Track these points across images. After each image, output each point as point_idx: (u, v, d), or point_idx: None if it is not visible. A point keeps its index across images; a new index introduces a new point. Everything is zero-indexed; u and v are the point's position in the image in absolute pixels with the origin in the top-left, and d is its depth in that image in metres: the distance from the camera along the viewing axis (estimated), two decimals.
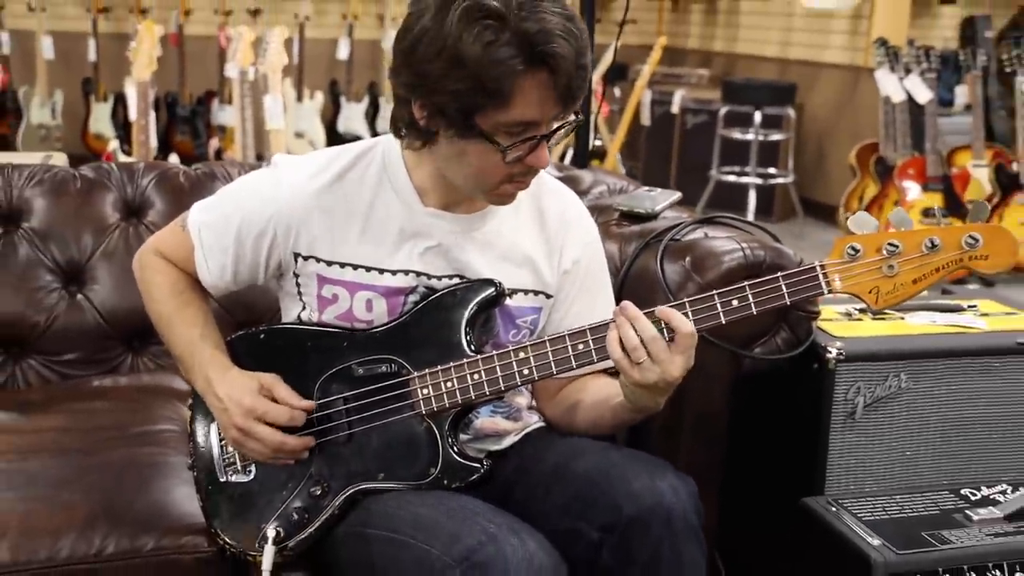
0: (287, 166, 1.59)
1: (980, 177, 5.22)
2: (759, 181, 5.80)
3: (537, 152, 1.44)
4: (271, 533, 1.53)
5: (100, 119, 6.32)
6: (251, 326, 1.68)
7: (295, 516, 1.55)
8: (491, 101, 1.38)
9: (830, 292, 1.45)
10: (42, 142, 6.13)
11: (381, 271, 1.56)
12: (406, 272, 1.56)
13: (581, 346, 1.47)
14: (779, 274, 1.45)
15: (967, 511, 1.67)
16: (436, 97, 1.41)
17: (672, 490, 1.43)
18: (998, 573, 1.56)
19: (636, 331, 1.42)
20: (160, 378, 2.10)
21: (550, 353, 1.48)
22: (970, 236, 1.41)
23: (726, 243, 1.82)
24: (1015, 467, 1.88)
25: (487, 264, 1.58)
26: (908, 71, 5.26)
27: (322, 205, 1.55)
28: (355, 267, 1.56)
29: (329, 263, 1.56)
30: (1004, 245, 1.43)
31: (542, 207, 1.64)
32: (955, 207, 5.01)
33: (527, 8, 1.36)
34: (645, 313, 1.44)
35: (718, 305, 1.45)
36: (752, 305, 1.44)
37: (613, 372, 1.51)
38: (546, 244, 1.63)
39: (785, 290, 1.44)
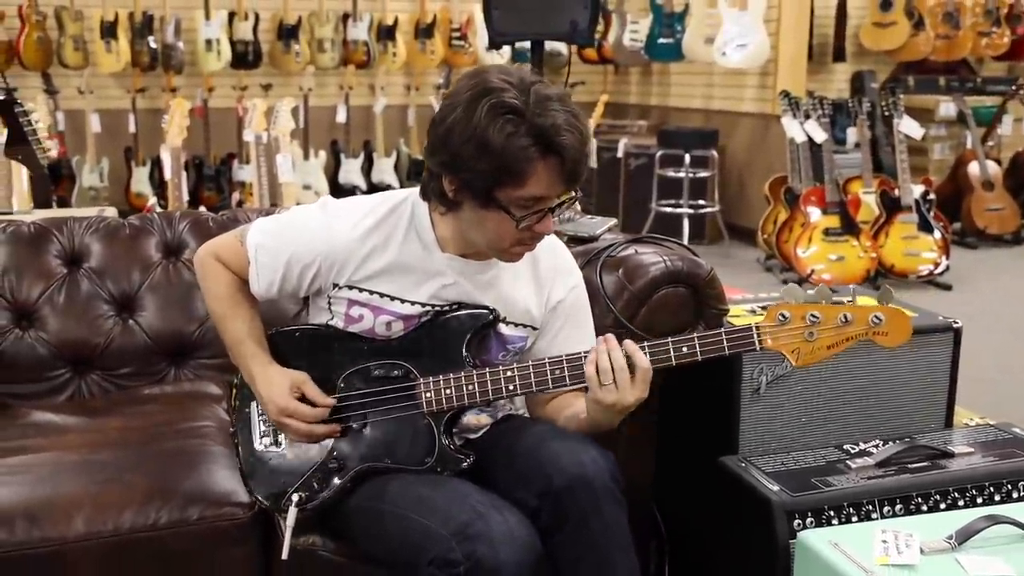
0: (336, 211, 1.64)
1: (869, 201, 5.32)
2: (691, 211, 5.89)
3: (544, 221, 1.52)
4: (295, 497, 1.61)
5: (140, 180, 6.36)
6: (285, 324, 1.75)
7: (315, 485, 1.62)
8: (510, 180, 1.45)
9: (761, 349, 1.51)
10: (92, 201, 6.17)
11: (403, 301, 1.63)
12: (423, 304, 1.63)
13: (557, 371, 1.55)
14: (722, 330, 1.51)
15: (847, 461, 1.75)
16: (464, 174, 1.48)
17: (593, 461, 1.50)
18: (871, 507, 1.64)
19: (609, 359, 1.49)
20: (198, 385, 2.16)
21: (532, 375, 1.56)
22: (876, 316, 1.49)
23: (651, 257, 1.91)
24: (888, 426, 1.95)
25: (489, 302, 1.65)
26: (807, 117, 5.36)
27: (363, 248, 1.61)
28: (381, 295, 1.63)
29: (361, 290, 1.63)
30: (901, 325, 1.50)
31: (536, 258, 1.69)
32: (850, 226, 5.11)
33: (540, 106, 1.43)
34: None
35: (671, 349, 1.52)
36: (698, 353, 1.51)
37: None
38: (537, 287, 1.70)
39: (726, 344, 1.51)
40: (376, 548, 1.59)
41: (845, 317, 1.49)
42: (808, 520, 1.61)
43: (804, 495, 1.64)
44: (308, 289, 1.66)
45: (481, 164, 1.44)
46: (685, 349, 1.51)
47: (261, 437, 1.68)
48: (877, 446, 1.81)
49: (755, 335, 1.50)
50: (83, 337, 2.14)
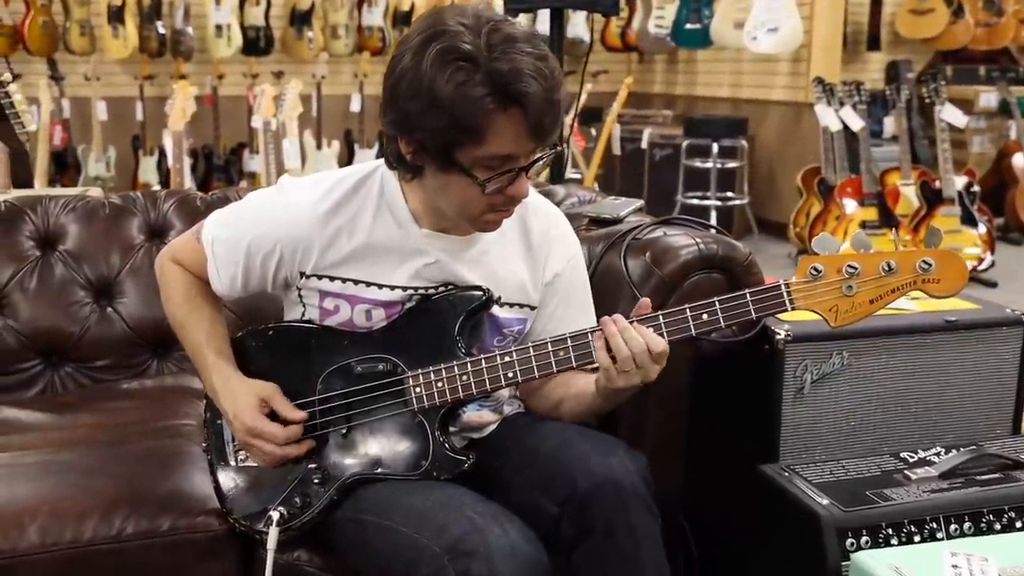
0: (294, 190, 1.49)
1: (908, 193, 5.12)
2: (719, 203, 5.71)
3: (516, 184, 1.34)
4: (275, 515, 1.44)
5: (147, 169, 6.23)
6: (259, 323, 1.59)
7: (297, 501, 1.46)
8: (467, 138, 1.29)
9: (793, 309, 1.34)
10: None
11: (380, 286, 1.46)
12: (404, 288, 1.47)
13: (562, 353, 1.39)
14: (746, 291, 1.35)
15: (906, 471, 1.56)
16: (417, 134, 1.32)
17: (622, 465, 1.35)
18: (935, 525, 1.45)
19: (626, 342, 1.34)
20: (182, 379, 2.00)
21: (533, 359, 1.39)
22: (924, 261, 1.32)
23: (682, 239, 1.73)
24: (948, 432, 1.77)
25: (478, 280, 1.48)
26: (842, 104, 5.17)
27: (327, 229, 1.45)
28: (356, 282, 1.46)
29: (332, 278, 1.47)
30: (955, 270, 1.33)
31: (528, 226, 1.53)
32: (888, 219, 4.92)
33: (499, 49, 1.26)
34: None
35: (689, 318, 1.36)
36: (720, 319, 1.35)
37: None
38: (531, 260, 1.53)
39: (751, 306, 1.34)
40: (364, 564, 1.43)
41: (888, 265, 1.31)
42: (863, 539, 1.43)
43: (858, 510, 1.46)
44: (274, 281, 1.50)
45: (432, 121, 1.28)
46: (706, 316, 1.35)
47: (236, 451, 1.52)
48: (939, 454, 1.63)
49: (785, 293, 1.33)
50: (56, 325, 2.00)
